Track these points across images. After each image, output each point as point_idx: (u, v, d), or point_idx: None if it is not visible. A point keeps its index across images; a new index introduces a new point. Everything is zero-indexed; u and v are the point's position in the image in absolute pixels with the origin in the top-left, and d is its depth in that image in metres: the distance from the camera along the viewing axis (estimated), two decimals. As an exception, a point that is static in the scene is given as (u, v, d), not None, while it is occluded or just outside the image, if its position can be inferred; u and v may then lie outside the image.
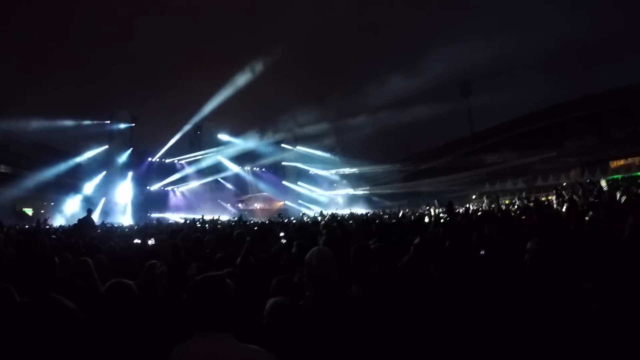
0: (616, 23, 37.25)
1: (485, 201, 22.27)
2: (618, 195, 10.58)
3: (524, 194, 22.30)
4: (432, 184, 39.86)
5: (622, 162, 34.51)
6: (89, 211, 15.43)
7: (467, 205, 24.71)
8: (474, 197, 36.96)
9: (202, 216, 23.08)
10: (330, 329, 2.68)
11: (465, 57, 40.60)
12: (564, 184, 26.09)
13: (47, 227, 19.96)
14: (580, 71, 38.02)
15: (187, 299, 2.34)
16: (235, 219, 21.93)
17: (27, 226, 20.90)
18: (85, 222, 14.45)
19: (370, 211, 31.79)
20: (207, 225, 18.67)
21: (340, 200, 44.22)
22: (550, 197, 21.55)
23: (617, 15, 36.24)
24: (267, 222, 19.95)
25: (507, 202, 23.73)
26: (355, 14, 41.65)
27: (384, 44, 47.60)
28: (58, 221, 26.61)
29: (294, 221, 18.67)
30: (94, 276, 4.62)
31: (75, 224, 14.98)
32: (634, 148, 32.85)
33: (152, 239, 9.30)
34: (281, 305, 2.60)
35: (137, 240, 10.76)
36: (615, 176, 31.17)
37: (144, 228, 19.01)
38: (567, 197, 13.07)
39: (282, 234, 9.25)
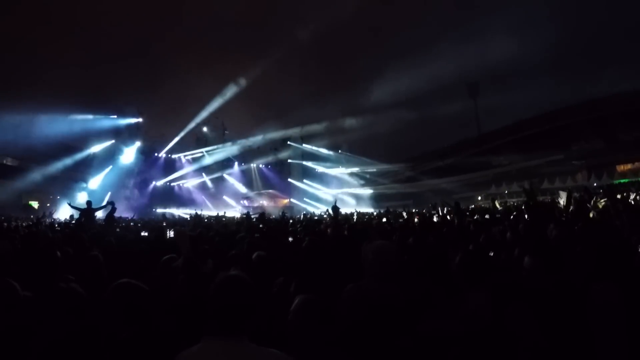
0: (624, 27, 37.01)
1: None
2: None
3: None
4: (437, 185, 39.79)
5: (629, 166, 34.33)
6: (89, 203, 15.29)
7: (472, 207, 24.66)
8: (479, 198, 36.90)
9: (196, 212, 23.10)
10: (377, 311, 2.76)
11: (473, 58, 40.53)
12: (569, 187, 25.92)
13: (52, 220, 20.05)
14: (588, 74, 37.77)
15: (211, 299, 2.26)
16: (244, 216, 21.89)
17: (31, 218, 20.97)
18: (87, 215, 14.40)
19: (377, 211, 31.55)
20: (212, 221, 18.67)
21: (346, 198, 44.16)
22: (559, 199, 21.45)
23: (625, 18, 36.00)
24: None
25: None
26: (364, 14, 41.53)
27: (392, 45, 47.58)
28: (63, 214, 26.72)
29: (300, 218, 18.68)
30: (103, 272, 4.59)
31: (77, 218, 14.96)
32: (641, 152, 32.68)
33: (172, 230, 9.28)
34: (310, 303, 2.51)
35: (144, 233, 10.76)
36: (622, 180, 31.01)
37: (149, 222, 19.05)
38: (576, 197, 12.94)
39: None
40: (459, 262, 3.31)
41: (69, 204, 16.49)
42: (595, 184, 29.43)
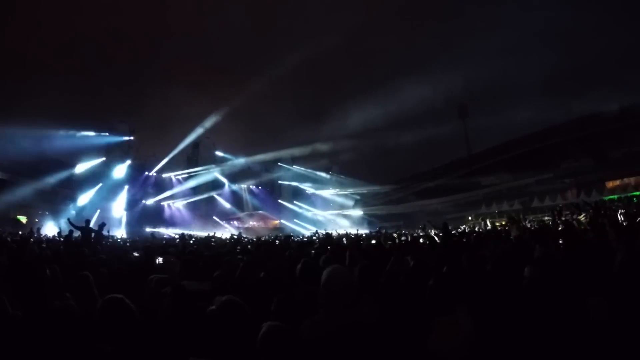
0: (609, 46, 38.00)
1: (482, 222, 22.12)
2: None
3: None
4: (428, 206, 39.89)
5: (617, 182, 34.63)
6: (87, 222, 15.26)
7: (462, 227, 24.62)
8: (470, 218, 36.97)
9: (183, 233, 23.17)
10: (340, 346, 2.60)
11: (463, 79, 41.10)
12: (560, 205, 26.11)
13: (39, 236, 19.75)
14: (576, 93, 38.45)
15: (207, 322, 2.27)
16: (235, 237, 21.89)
17: (19, 232, 20.70)
18: (85, 234, 14.32)
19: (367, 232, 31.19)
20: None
21: (336, 220, 44.12)
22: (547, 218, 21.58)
23: (610, 39, 37.01)
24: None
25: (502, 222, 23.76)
26: (354, 38, 42.24)
27: (382, 67, 48.24)
28: (50, 230, 26.45)
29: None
30: (94, 292, 4.51)
31: (66, 235, 14.86)
32: (629, 168, 33.04)
33: (161, 258, 9.15)
34: (276, 330, 2.45)
35: (135, 254, 10.58)
36: (612, 196, 31.25)
37: (141, 242, 18.81)
38: (563, 219, 12.98)
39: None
40: (430, 288, 3.28)
41: (69, 220, 16.27)
42: (584, 201, 29.61)
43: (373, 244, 11.58)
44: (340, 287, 2.91)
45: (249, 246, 13.80)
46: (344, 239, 15.71)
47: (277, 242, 14.89)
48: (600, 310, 2.70)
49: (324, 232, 20.87)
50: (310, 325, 2.84)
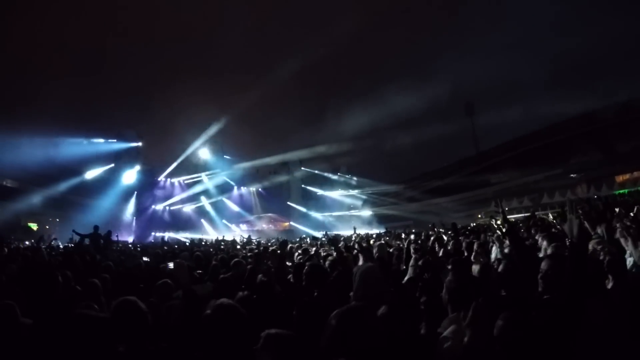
0: (616, 38, 37.61)
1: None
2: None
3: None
4: (438, 204, 39.69)
5: (627, 176, 34.17)
6: (96, 227, 15.33)
7: (472, 224, 24.46)
8: (480, 216, 36.75)
9: (192, 239, 23.32)
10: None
11: (469, 77, 40.91)
12: (571, 200, 25.78)
13: (51, 243, 19.88)
14: (582, 87, 38.13)
15: (203, 325, 2.29)
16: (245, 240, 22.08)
17: (30, 241, 20.85)
18: (93, 240, 14.39)
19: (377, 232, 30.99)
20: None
21: (346, 220, 43.97)
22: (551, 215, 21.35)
23: (616, 30, 36.63)
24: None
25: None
26: (360, 37, 42.19)
27: (388, 66, 48.08)
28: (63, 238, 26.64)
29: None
30: (101, 299, 4.57)
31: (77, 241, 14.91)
32: (638, 162, 32.59)
33: (171, 263, 9.22)
34: (277, 337, 2.42)
35: (145, 259, 10.63)
36: (622, 190, 30.95)
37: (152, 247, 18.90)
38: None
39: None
40: (447, 288, 3.31)
41: (74, 231, 16.32)
42: (595, 196, 29.32)
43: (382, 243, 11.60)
44: (374, 282, 3.36)
45: (256, 249, 13.85)
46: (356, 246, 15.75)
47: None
48: (597, 312, 2.70)
49: (356, 233, 20.66)
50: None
